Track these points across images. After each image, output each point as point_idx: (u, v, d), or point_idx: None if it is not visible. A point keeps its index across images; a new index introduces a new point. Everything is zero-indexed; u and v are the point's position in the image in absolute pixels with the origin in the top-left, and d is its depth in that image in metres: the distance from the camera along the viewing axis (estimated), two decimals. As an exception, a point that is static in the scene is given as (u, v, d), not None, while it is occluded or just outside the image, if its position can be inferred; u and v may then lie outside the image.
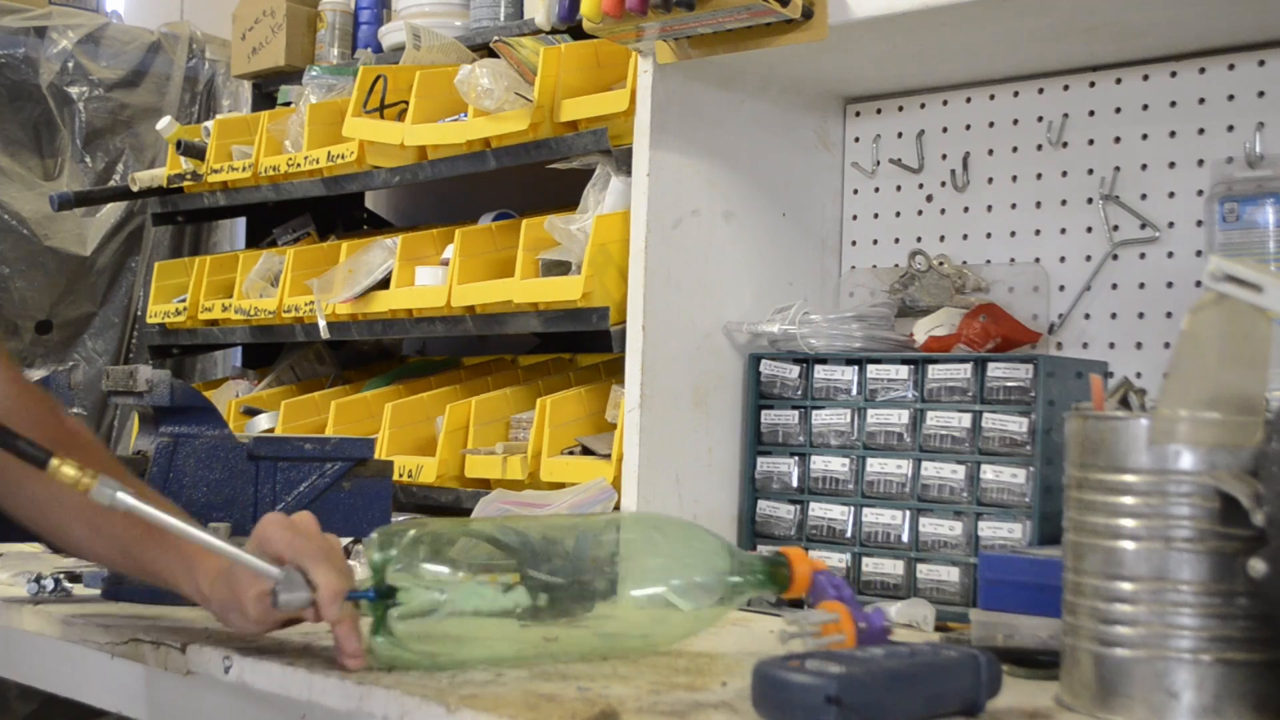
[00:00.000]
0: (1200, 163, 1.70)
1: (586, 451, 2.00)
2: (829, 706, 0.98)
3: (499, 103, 2.13)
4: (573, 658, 1.25)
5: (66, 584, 1.70)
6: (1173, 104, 1.73)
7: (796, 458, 1.79)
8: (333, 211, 2.99)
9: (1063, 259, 1.82)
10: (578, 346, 2.51)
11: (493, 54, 2.25)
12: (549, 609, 1.25)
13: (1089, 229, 1.80)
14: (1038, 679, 1.24)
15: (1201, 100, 1.71)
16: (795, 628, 1.25)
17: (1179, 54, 1.72)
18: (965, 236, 1.91)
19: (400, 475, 2.12)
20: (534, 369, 2.51)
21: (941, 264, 1.87)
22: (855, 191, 2.03)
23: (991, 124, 1.89)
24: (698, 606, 1.30)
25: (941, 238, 1.94)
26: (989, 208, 1.89)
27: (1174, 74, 1.73)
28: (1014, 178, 1.87)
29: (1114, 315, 1.77)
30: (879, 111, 2.00)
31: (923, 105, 1.96)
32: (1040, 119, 1.84)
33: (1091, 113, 1.80)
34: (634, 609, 1.29)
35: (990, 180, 1.89)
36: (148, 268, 3.19)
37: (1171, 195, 1.73)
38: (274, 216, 2.96)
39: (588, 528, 1.33)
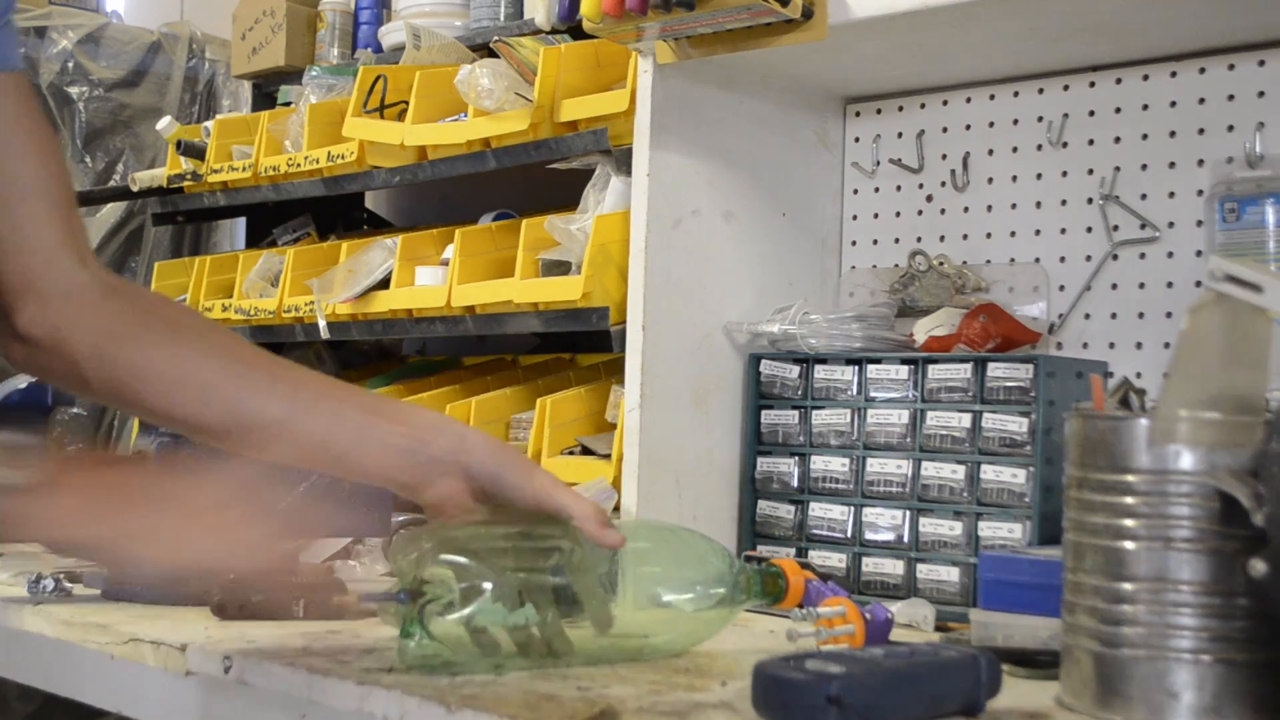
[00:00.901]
0: (1200, 163, 1.71)
1: (586, 451, 2.00)
2: (829, 706, 0.98)
3: (499, 103, 2.13)
4: (576, 660, 1.25)
5: (66, 584, 1.70)
6: (1173, 104, 1.73)
7: (796, 458, 1.79)
8: (333, 211, 2.98)
9: (1063, 259, 1.82)
10: (578, 346, 2.51)
11: (493, 54, 2.24)
12: (551, 609, 1.24)
13: (1089, 229, 1.80)
14: (1038, 679, 1.24)
15: (1201, 100, 1.71)
16: (806, 622, 1.26)
17: (1179, 54, 1.72)
18: (965, 236, 1.91)
19: (400, 475, 2.11)
20: (534, 369, 2.51)
21: (941, 264, 1.88)
22: (855, 191, 2.03)
23: (991, 124, 1.89)
24: (698, 610, 1.31)
25: (941, 238, 1.94)
26: (989, 208, 1.89)
27: (1174, 74, 1.73)
28: (1014, 178, 1.87)
29: (1114, 315, 1.77)
30: (879, 111, 2.00)
31: (923, 105, 1.96)
32: (1040, 119, 1.84)
33: (1091, 113, 1.80)
34: (633, 610, 1.29)
35: (990, 180, 1.89)
36: (148, 268, 3.18)
37: (1171, 195, 1.73)
38: (274, 216, 2.96)
39: None
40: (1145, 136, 1.76)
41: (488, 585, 1.18)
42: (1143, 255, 1.75)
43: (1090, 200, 1.80)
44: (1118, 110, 1.78)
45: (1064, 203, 1.82)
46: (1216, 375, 1.06)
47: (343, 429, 1.23)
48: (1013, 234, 1.87)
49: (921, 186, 1.96)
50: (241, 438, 1.22)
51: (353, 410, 1.24)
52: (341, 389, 1.27)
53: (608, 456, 1.93)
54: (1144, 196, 1.75)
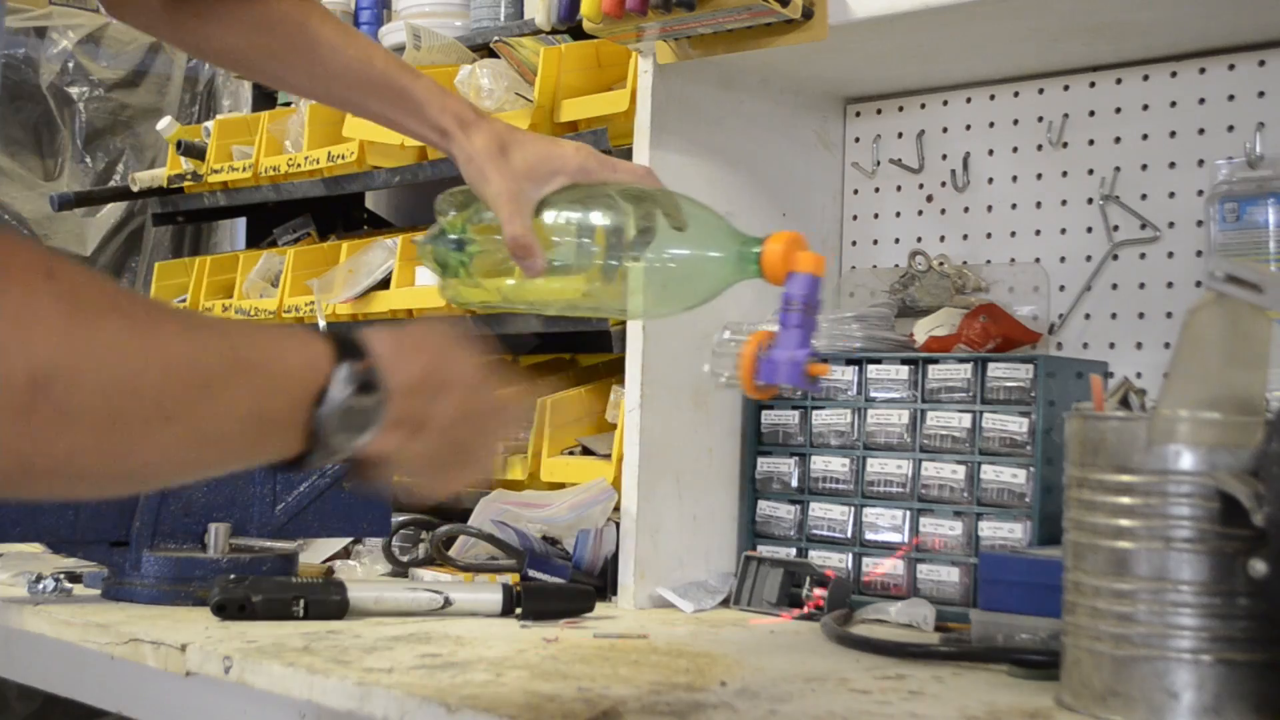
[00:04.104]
0: (1200, 163, 1.71)
1: (586, 451, 2.00)
2: None
3: (499, 103, 2.13)
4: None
5: (66, 584, 1.70)
6: (1173, 104, 1.73)
7: (796, 458, 1.79)
8: (333, 211, 2.98)
9: (1063, 259, 1.82)
10: (578, 346, 2.51)
11: (493, 54, 2.25)
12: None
13: (1089, 229, 1.80)
14: (1038, 679, 1.24)
15: (1201, 100, 1.71)
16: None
17: (1179, 54, 1.72)
18: (965, 236, 1.91)
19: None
20: (534, 369, 2.51)
21: (941, 264, 1.87)
22: (855, 191, 2.03)
23: (991, 124, 1.89)
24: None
25: (941, 238, 1.94)
26: (989, 208, 1.89)
27: (1174, 74, 1.73)
28: (1014, 178, 1.87)
29: (1114, 315, 1.77)
30: (879, 111, 2.00)
31: (923, 105, 1.96)
32: (1040, 119, 1.84)
33: (1091, 113, 1.80)
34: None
35: (990, 180, 1.89)
36: (148, 268, 3.18)
37: (1171, 195, 1.73)
38: (274, 216, 2.96)
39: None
40: (1145, 136, 1.76)
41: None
42: (1143, 255, 1.75)
43: (1090, 200, 1.80)
44: (1118, 110, 1.78)
45: (1064, 203, 1.82)
46: (1216, 375, 1.06)
47: (367, 114, 1.42)
48: (1013, 234, 1.87)
49: (921, 186, 1.96)
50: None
51: (383, 109, 1.39)
52: (368, 85, 1.38)
53: (608, 456, 1.93)
54: (1144, 196, 1.75)
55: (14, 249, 0.73)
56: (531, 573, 1.76)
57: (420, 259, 1.41)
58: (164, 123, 2.89)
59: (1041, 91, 1.84)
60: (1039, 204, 1.85)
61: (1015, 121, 1.87)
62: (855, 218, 2.03)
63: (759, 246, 1.29)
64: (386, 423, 0.92)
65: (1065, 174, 1.82)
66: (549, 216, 1.33)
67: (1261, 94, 1.66)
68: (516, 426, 1.07)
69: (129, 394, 0.76)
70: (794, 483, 1.79)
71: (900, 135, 1.97)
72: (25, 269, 0.72)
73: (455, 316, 1.09)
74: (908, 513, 1.68)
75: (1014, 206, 1.87)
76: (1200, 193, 1.70)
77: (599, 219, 1.31)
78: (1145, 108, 1.76)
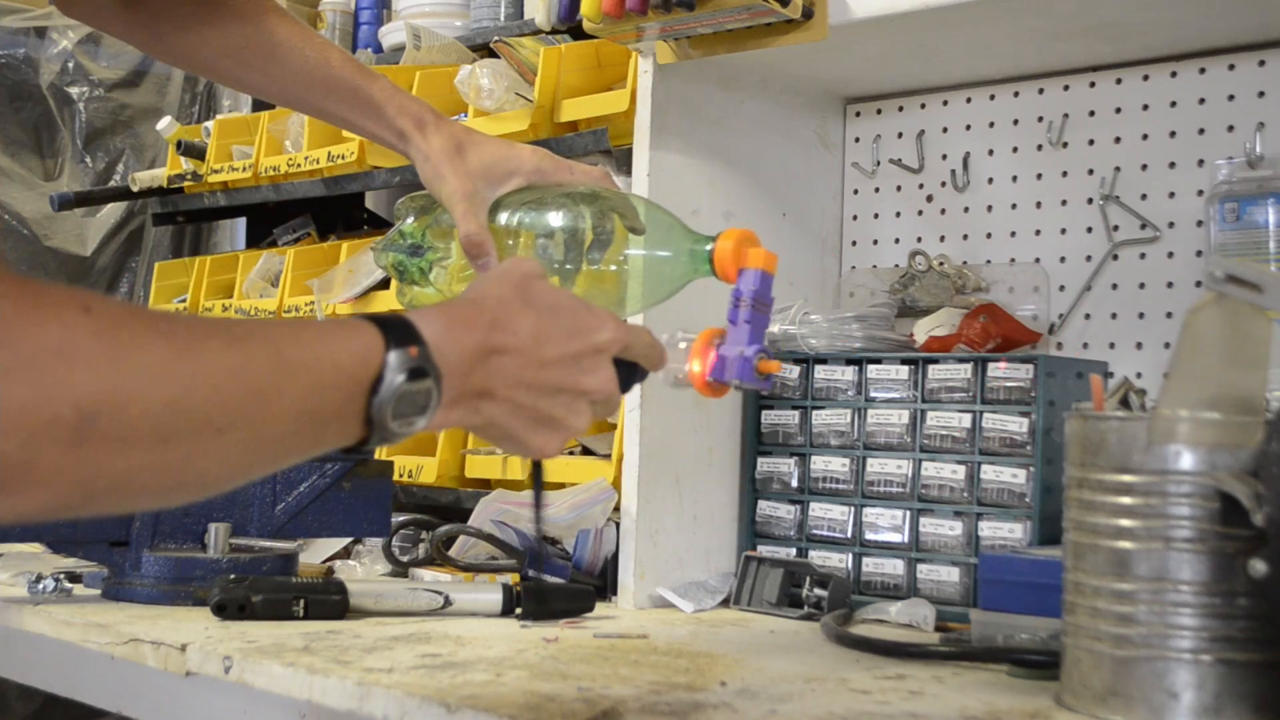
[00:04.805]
0: (1200, 163, 1.71)
1: (586, 451, 2.00)
2: None
3: (499, 103, 2.14)
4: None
5: (66, 584, 1.70)
6: (1173, 104, 1.73)
7: (796, 458, 1.79)
8: (333, 211, 2.98)
9: (1063, 259, 1.82)
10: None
11: (493, 54, 2.25)
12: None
13: (1089, 229, 1.80)
14: (1038, 679, 1.24)
15: (1201, 100, 1.71)
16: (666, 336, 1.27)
17: (1179, 54, 1.72)
18: (965, 236, 1.91)
19: (400, 475, 2.12)
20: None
21: (941, 264, 1.88)
22: (855, 191, 2.03)
23: (991, 124, 1.89)
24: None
25: (941, 238, 1.94)
26: (989, 208, 1.89)
27: (1174, 74, 1.73)
28: (1014, 178, 1.87)
29: (1114, 315, 1.77)
30: (879, 111, 2.00)
31: (923, 105, 1.96)
32: (1040, 119, 1.84)
33: (1091, 113, 1.80)
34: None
35: (990, 180, 1.89)
36: (148, 268, 3.19)
37: (1171, 195, 1.73)
38: (274, 216, 2.96)
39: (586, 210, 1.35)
40: (1145, 136, 1.76)
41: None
42: (1143, 255, 1.75)
43: (1090, 200, 1.80)
44: (1118, 110, 1.78)
45: (1064, 203, 1.82)
46: (1216, 375, 1.06)
47: (325, 115, 1.43)
48: (1013, 234, 1.87)
49: (921, 186, 1.96)
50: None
51: (340, 111, 1.40)
52: (325, 85, 1.39)
53: (608, 456, 1.93)
54: (1144, 196, 1.75)
55: (46, 288, 0.75)
56: (531, 573, 1.76)
57: (378, 264, 1.41)
58: (164, 123, 2.90)
59: (1041, 91, 1.85)
60: (1039, 204, 1.85)
61: (1015, 121, 1.87)
62: (855, 218, 2.03)
63: (710, 244, 1.30)
64: (445, 402, 0.94)
65: (1065, 174, 1.82)
66: (504, 217, 1.33)
67: (1261, 94, 1.66)
68: (596, 379, 1.06)
69: (178, 413, 0.78)
70: (794, 483, 1.79)
71: (900, 135, 1.98)
72: (61, 306, 0.74)
73: (520, 262, 1.07)
74: (908, 513, 1.68)
75: (1014, 206, 1.87)
76: (1200, 193, 1.70)
77: (554, 219, 1.32)
78: (1145, 108, 1.76)
